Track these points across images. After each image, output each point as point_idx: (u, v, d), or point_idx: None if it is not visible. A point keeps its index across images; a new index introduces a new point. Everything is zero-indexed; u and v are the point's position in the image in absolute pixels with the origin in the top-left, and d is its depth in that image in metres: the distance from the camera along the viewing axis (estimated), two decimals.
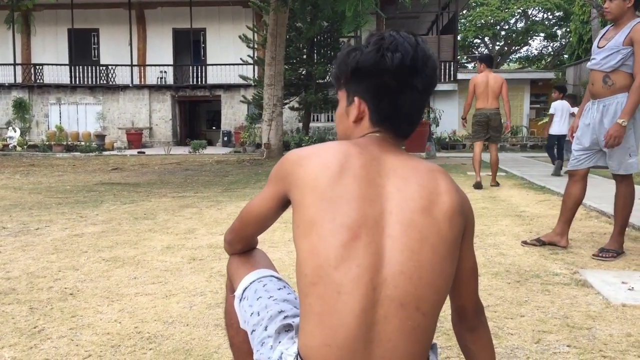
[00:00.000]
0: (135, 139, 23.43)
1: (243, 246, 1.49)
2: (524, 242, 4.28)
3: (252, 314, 1.35)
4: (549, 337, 2.42)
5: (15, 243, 4.48)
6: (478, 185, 7.98)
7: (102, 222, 5.41)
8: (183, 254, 4.05)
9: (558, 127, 10.33)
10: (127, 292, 3.14)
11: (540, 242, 4.20)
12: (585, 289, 3.12)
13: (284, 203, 1.29)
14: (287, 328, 1.27)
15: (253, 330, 1.33)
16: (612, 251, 3.84)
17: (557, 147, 10.59)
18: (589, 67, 3.97)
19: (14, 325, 2.62)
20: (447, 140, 21.61)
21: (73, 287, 3.24)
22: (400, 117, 1.26)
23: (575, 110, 10.19)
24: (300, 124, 21.97)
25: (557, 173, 10.00)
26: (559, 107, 10.35)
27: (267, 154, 15.42)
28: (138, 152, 19.96)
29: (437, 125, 20.36)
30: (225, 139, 23.97)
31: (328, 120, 23.18)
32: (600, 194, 6.48)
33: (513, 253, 4.00)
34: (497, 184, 8.33)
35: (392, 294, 1.10)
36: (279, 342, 1.24)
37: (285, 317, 1.29)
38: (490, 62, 8.52)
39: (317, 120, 23.37)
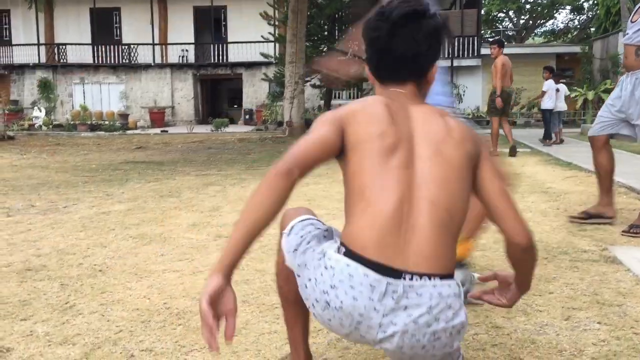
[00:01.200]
0: (158, 117, 23.58)
1: (302, 171, 1.33)
2: (571, 217, 4.24)
3: (295, 238, 1.47)
4: (578, 314, 2.39)
5: (44, 221, 4.56)
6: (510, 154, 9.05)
7: (128, 200, 5.47)
8: (208, 232, 4.08)
9: (549, 103, 11.90)
10: (155, 269, 3.17)
11: (587, 215, 4.16)
12: (615, 266, 3.08)
13: (340, 140, 1.39)
14: (326, 234, 1.46)
15: (295, 249, 1.44)
16: None
17: (545, 120, 12.22)
18: (623, 42, 4.04)
19: (46, 301, 2.67)
20: (470, 116, 21.36)
21: (102, 264, 3.29)
22: (391, 65, 1.46)
23: (560, 86, 12.35)
24: (322, 102, 21.89)
25: (547, 141, 11.66)
26: (551, 85, 11.95)
27: (289, 131, 15.42)
28: (161, 131, 20.09)
29: (461, 102, 20.14)
30: (247, 117, 24.00)
31: (350, 98, 23.05)
32: (629, 169, 6.37)
33: (540, 230, 3.95)
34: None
35: (425, 194, 1.32)
36: (321, 245, 1.39)
37: (326, 231, 1.47)
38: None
39: (339, 97, 23.25)
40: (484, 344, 2.12)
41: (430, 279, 1.27)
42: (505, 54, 9.33)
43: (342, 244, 1.33)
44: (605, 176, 4.13)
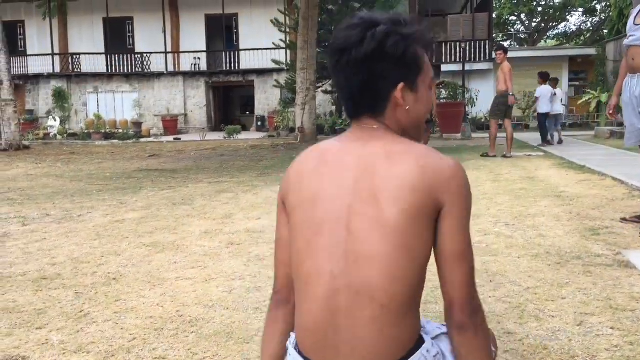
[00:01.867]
0: (171, 125, 23.71)
1: (292, 288, 1.32)
2: (623, 220, 4.22)
3: None
4: (591, 319, 2.38)
5: (59, 229, 4.61)
6: (488, 156, 9.77)
7: (142, 208, 5.51)
8: (221, 239, 4.10)
9: (545, 107, 12.66)
10: (168, 277, 3.20)
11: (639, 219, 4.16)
12: (629, 270, 3.06)
13: None
14: None
15: None
16: None
17: (539, 124, 13.01)
18: (628, 44, 4.15)
19: (60, 310, 2.70)
20: (482, 120, 21.25)
21: (116, 272, 3.32)
22: (344, 101, 1.30)
23: (558, 91, 13.36)
24: (334, 107, 21.93)
25: (546, 143, 12.46)
26: (544, 91, 12.75)
27: (301, 137, 15.44)
28: (174, 139, 20.20)
29: (473, 106, 20.05)
30: (259, 123, 24.08)
31: None
32: None
33: (553, 234, 3.93)
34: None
35: (349, 283, 1.15)
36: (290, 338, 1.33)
37: None
38: None
39: None
40: None
41: None
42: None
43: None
44: None
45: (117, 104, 25.43)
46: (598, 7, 34.66)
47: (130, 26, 25.95)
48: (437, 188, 1.16)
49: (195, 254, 3.69)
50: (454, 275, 1.17)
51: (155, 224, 4.71)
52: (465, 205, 1.18)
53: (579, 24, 38.30)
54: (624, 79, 4.18)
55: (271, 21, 20.23)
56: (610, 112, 4.45)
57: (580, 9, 34.78)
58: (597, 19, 36.00)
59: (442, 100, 19.04)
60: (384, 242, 1.14)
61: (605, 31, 28.70)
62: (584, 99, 19.65)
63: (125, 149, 15.96)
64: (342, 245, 1.17)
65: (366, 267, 1.14)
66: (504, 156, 9.63)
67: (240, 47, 25.05)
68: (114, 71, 25.47)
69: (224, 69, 25.16)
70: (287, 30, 20.78)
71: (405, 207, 1.14)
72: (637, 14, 4.00)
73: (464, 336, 1.18)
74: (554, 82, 13.51)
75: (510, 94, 9.70)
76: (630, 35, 4.03)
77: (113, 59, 25.53)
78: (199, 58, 25.33)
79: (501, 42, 32.40)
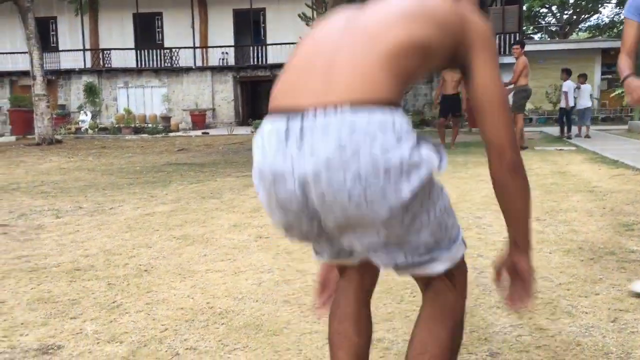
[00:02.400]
0: (199, 120, 23.91)
1: None
2: None
3: None
4: (626, 316, 2.33)
5: (91, 222, 4.69)
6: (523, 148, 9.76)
7: (172, 202, 5.58)
8: (250, 232, 4.13)
9: (571, 101, 13.19)
10: (198, 269, 3.23)
11: None
12: None
13: None
14: None
15: None
16: None
17: (566, 117, 13.44)
18: None
19: (94, 300, 2.75)
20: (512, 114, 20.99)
21: (147, 264, 3.37)
22: None
23: (586, 86, 13.73)
24: None
25: (568, 136, 13.05)
26: (570, 86, 13.29)
27: None
28: (202, 133, 20.36)
29: None
30: None
31: None
32: None
33: (586, 230, 3.87)
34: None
35: (350, 28, 1.20)
36: None
37: None
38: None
39: None
40: (528, 346, 2.09)
41: (338, 108, 1.06)
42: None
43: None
44: None
45: (146, 98, 25.72)
46: None
47: (160, 22, 26.20)
48: (463, 21, 1.23)
49: (225, 247, 3.72)
50: (499, 120, 1.22)
51: (185, 217, 4.76)
52: (492, 53, 1.24)
53: (612, 15, 37.50)
54: None
55: (299, 15, 20.20)
56: None
57: (614, 0, 34.03)
58: None
59: None
60: (398, 16, 1.19)
61: None
62: (616, 92, 19.24)
63: (155, 143, 16.14)
64: (359, 18, 1.22)
65: (373, 18, 1.20)
66: (521, 147, 9.75)
67: (268, 42, 25.12)
68: (143, 66, 25.77)
69: (252, 63, 25.25)
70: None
71: (434, 15, 1.20)
72: None
73: (517, 175, 1.24)
74: (583, 78, 13.89)
75: (509, 86, 9.94)
76: None
77: (142, 54, 25.82)
78: (226, 53, 25.47)
79: (528, 36, 31.92)
